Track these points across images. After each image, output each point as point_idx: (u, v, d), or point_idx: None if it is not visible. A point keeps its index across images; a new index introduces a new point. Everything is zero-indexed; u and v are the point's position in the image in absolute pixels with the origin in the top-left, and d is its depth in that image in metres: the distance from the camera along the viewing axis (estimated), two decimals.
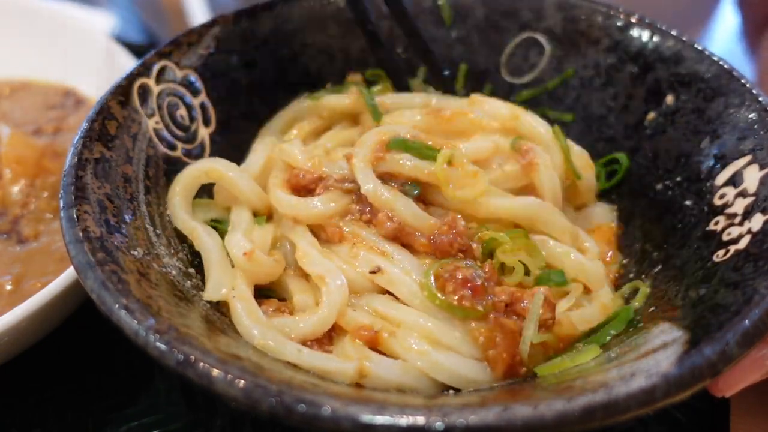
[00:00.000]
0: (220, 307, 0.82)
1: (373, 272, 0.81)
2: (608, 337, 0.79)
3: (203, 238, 0.86)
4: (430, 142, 0.88)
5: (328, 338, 0.80)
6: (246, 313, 0.78)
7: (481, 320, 0.77)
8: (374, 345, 0.77)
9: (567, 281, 0.84)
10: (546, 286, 0.82)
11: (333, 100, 1.03)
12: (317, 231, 0.88)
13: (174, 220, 0.89)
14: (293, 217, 0.88)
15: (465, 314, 0.76)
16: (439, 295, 0.77)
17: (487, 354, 0.76)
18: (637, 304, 0.83)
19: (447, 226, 0.83)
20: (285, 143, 0.95)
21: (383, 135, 0.87)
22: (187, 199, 0.92)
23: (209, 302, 0.81)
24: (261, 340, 0.75)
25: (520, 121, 0.95)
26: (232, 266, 0.84)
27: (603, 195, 1.03)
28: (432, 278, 0.78)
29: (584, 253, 0.90)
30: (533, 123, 0.95)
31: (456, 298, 0.76)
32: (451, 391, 0.75)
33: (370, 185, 0.84)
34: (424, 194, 0.88)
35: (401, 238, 0.84)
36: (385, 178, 0.86)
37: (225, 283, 0.82)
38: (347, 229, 0.85)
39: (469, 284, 0.77)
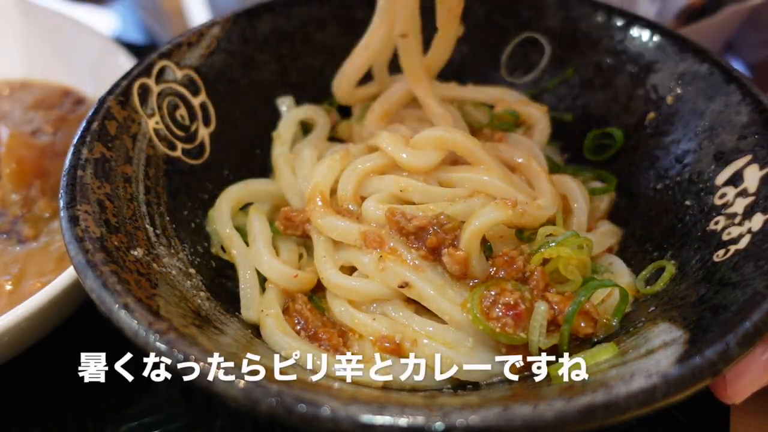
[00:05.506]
0: (224, 306, 0.83)
1: (401, 287, 0.80)
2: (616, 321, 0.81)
3: (240, 258, 0.91)
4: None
5: (343, 341, 0.81)
6: (277, 326, 0.81)
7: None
8: (398, 354, 0.78)
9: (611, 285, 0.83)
10: (587, 297, 0.79)
11: None
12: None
13: (215, 222, 0.93)
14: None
15: (509, 340, 0.76)
16: (482, 319, 0.76)
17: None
18: (662, 284, 0.83)
19: (505, 269, 0.82)
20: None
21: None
22: (234, 210, 0.96)
23: (210, 300, 0.81)
24: (289, 351, 0.77)
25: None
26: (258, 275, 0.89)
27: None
28: (477, 304, 0.77)
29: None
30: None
31: (500, 325, 0.75)
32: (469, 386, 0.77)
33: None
34: None
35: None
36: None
37: (261, 302, 0.86)
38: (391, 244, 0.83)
39: (512, 311, 0.76)
